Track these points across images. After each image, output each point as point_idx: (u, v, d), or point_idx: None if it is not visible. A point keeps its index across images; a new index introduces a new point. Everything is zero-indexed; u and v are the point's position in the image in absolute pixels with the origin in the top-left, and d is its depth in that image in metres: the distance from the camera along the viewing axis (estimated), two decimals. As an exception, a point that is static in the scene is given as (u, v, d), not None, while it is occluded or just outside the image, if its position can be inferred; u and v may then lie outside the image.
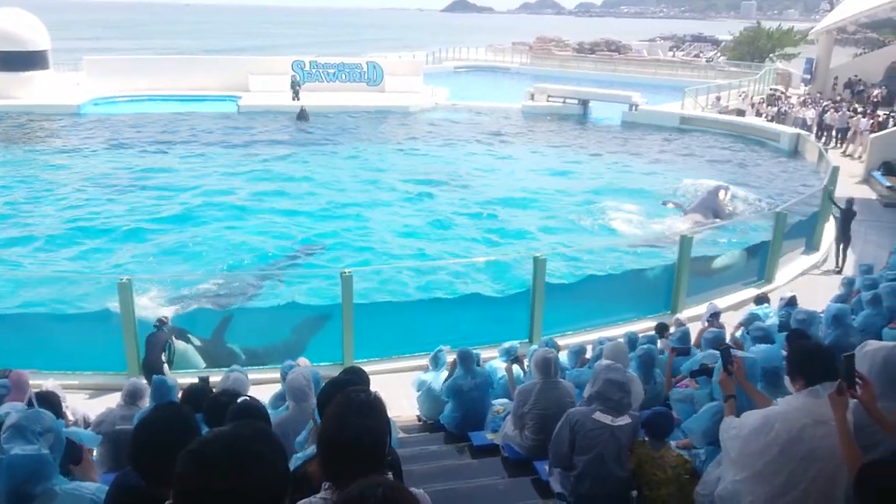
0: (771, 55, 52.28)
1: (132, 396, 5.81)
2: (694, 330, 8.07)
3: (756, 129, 28.82)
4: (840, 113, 26.84)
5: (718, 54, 61.09)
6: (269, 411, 5.51)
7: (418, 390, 7.73)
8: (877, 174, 20.21)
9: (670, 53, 64.88)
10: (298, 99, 31.18)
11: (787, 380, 3.49)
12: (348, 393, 2.43)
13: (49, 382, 6.62)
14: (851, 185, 19.77)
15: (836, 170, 16.24)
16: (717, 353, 4.26)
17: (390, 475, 2.29)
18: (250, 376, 6.54)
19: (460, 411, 6.83)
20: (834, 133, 26.95)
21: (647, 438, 4.48)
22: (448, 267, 14.15)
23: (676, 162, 24.63)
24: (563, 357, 7.32)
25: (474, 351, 7.04)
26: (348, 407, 2.35)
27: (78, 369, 9.22)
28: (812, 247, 14.37)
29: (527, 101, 33.67)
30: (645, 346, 6.50)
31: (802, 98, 33.53)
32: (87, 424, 6.07)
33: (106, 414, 5.81)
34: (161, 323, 8.72)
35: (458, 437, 6.76)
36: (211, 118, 29.13)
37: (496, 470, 5.71)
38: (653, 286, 11.55)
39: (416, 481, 4.42)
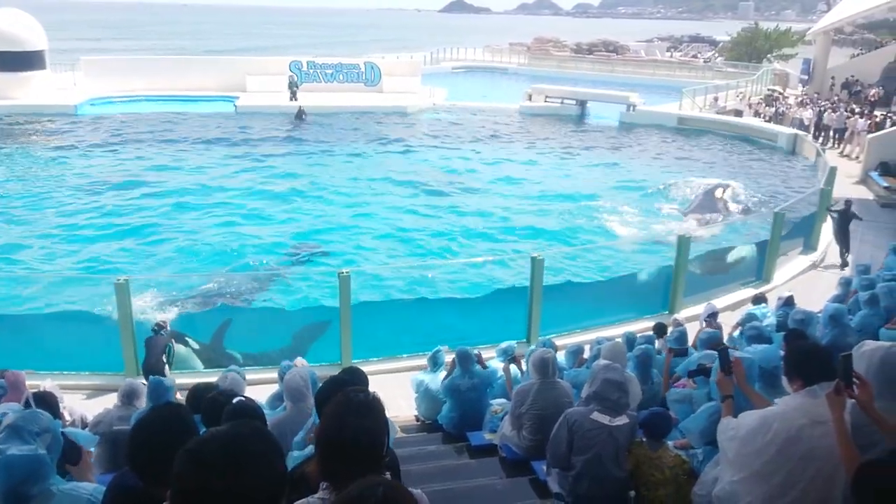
0: (768, 56, 52.38)
1: (129, 397, 5.81)
2: (692, 330, 8.08)
3: (754, 129, 28.87)
4: (837, 113, 26.89)
5: (716, 55, 61.19)
6: (267, 411, 5.51)
7: (416, 390, 7.73)
8: (874, 174, 20.24)
9: (668, 54, 64.94)
10: (296, 99, 31.16)
11: (784, 380, 3.49)
12: (347, 393, 2.43)
13: (46, 383, 6.61)
14: (849, 185, 19.81)
15: (833, 170, 16.27)
16: (715, 353, 4.27)
17: (388, 475, 2.29)
18: (248, 377, 6.54)
19: (458, 411, 6.83)
20: (831, 133, 27.01)
21: (644, 439, 4.49)
22: (446, 267, 14.16)
23: (674, 162, 24.66)
24: (561, 357, 7.32)
25: (474, 351, 7.04)
26: (347, 406, 2.35)
27: (75, 370, 9.20)
28: (810, 246, 14.39)
29: (524, 102, 33.68)
30: (643, 347, 6.50)
31: (800, 98, 33.59)
32: (84, 425, 6.06)
33: (103, 414, 5.81)
34: (160, 326, 8.71)
35: (456, 437, 6.76)
36: (208, 118, 29.10)
37: (494, 470, 5.70)
38: (650, 286, 11.56)
39: (413, 481, 4.42)
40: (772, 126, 28.77)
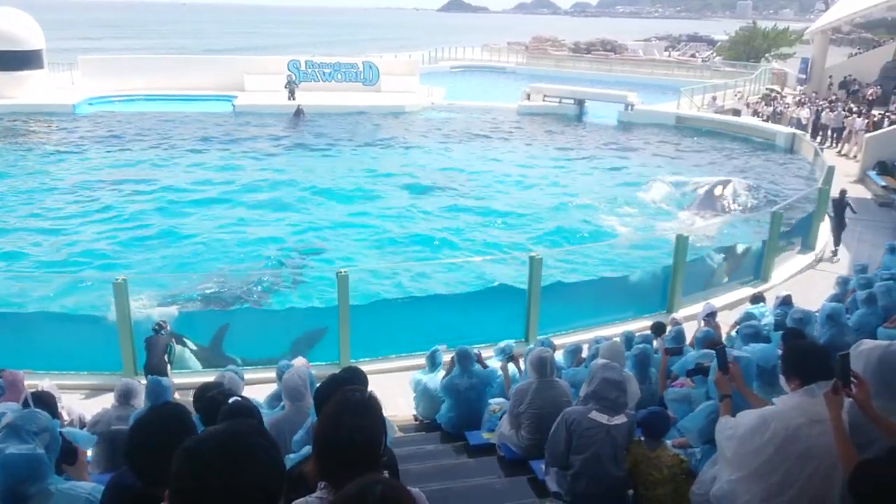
0: (766, 55, 52.39)
1: (125, 396, 5.81)
2: (690, 329, 8.09)
3: (752, 128, 28.89)
4: (835, 112, 26.90)
5: (714, 54, 61.16)
6: (265, 411, 5.51)
7: (415, 390, 7.73)
8: (872, 174, 20.26)
9: (666, 53, 64.93)
10: (294, 98, 31.14)
11: (782, 379, 3.50)
12: (344, 392, 2.43)
13: (45, 382, 6.62)
14: (847, 184, 19.77)
15: (831, 169, 16.28)
16: (713, 352, 4.27)
17: (386, 475, 2.29)
18: (246, 376, 6.54)
19: (456, 411, 6.82)
20: (829, 133, 27.00)
21: (643, 438, 4.49)
22: (444, 266, 14.15)
23: (672, 162, 24.65)
24: (559, 356, 7.32)
25: (474, 350, 7.04)
26: (344, 406, 2.35)
27: (73, 369, 9.20)
28: (808, 246, 14.40)
29: (523, 101, 33.67)
30: (640, 346, 6.51)
31: (798, 98, 33.58)
32: (82, 425, 6.06)
33: (101, 414, 5.81)
34: (160, 326, 8.71)
35: (455, 436, 6.75)
36: (206, 118, 29.06)
37: (492, 469, 5.70)
38: (649, 285, 11.57)
39: (412, 481, 4.41)
40: (770, 125, 28.78)
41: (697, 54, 64.07)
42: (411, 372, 8.37)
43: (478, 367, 6.95)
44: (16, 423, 2.84)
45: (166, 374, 7.77)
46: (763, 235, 13.13)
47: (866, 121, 25.00)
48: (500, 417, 6.09)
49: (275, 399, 6.32)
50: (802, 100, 32.05)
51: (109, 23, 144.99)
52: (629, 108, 31.81)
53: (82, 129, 26.59)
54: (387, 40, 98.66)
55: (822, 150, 23.30)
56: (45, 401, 5.09)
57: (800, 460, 3.15)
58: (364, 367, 4.27)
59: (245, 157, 23.29)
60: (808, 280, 12.95)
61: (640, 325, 9.89)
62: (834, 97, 31.84)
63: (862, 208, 16.11)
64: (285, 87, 31.78)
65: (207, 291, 12.64)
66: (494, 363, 7.46)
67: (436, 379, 7.31)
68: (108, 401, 6.59)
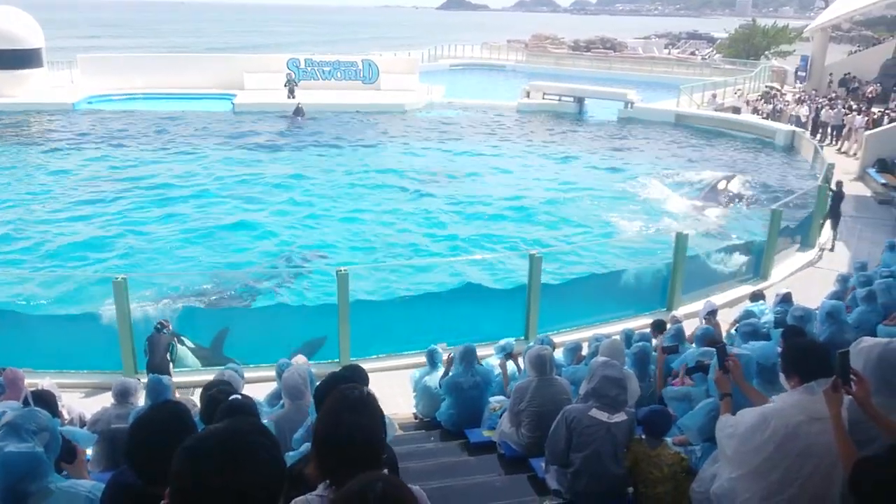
0: (766, 53, 52.36)
1: (122, 395, 5.81)
2: (689, 327, 8.08)
3: (751, 126, 28.87)
4: (835, 110, 26.88)
5: (714, 52, 61.14)
6: (265, 409, 5.51)
7: (415, 388, 7.73)
8: (871, 171, 20.26)
9: (666, 51, 64.96)
10: (294, 97, 31.12)
11: (782, 376, 3.50)
12: (342, 390, 2.43)
13: (45, 381, 6.62)
14: (846, 181, 19.78)
15: (831, 167, 16.27)
16: (713, 350, 4.27)
17: (387, 473, 2.29)
18: (246, 374, 6.54)
19: (457, 408, 6.82)
20: (829, 130, 27.00)
21: (643, 436, 4.49)
22: (443, 265, 14.15)
23: (672, 159, 24.65)
24: (559, 354, 7.32)
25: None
26: (342, 404, 2.35)
27: (74, 368, 9.19)
28: (807, 244, 14.41)
29: (522, 99, 33.64)
30: (640, 344, 6.51)
31: (798, 95, 33.57)
32: (83, 423, 6.07)
33: (101, 413, 5.81)
34: (162, 325, 8.71)
35: (455, 434, 6.76)
36: (206, 116, 29.04)
37: (492, 467, 5.70)
38: (649, 283, 11.57)
39: (412, 479, 4.41)
40: (770, 123, 28.75)
41: (697, 52, 64.05)
42: (411, 370, 8.37)
43: (480, 365, 6.95)
44: (16, 422, 2.84)
45: (169, 373, 7.78)
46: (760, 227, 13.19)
47: (866, 118, 24.99)
48: (501, 415, 6.09)
49: (275, 397, 6.32)
50: (802, 97, 32.04)
51: (109, 22, 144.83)
52: (629, 105, 31.80)
53: (82, 128, 26.58)
54: (386, 38, 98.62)
55: (821, 147, 23.29)
56: (45, 399, 5.09)
57: (800, 458, 3.16)
58: (364, 366, 4.27)
59: (245, 155, 23.28)
60: (808, 277, 12.96)
61: (641, 323, 9.90)
62: (834, 95, 31.84)
63: (861, 206, 16.11)
64: (285, 86, 31.76)
65: (207, 290, 12.63)
66: (494, 361, 7.46)
67: (436, 377, 7.31)
68: (108, 399, 6.58)
